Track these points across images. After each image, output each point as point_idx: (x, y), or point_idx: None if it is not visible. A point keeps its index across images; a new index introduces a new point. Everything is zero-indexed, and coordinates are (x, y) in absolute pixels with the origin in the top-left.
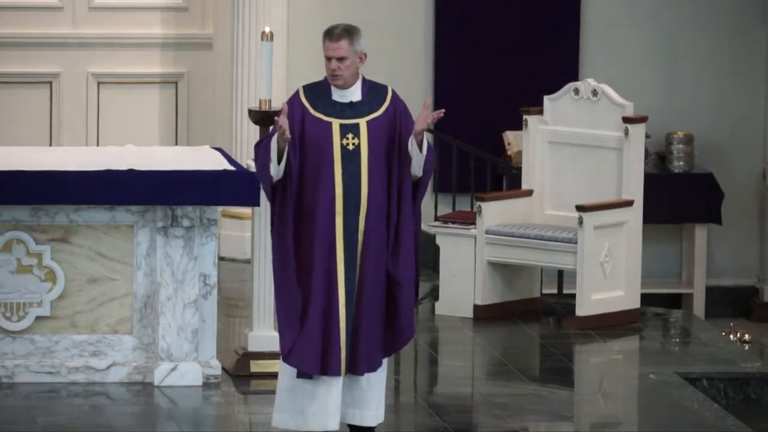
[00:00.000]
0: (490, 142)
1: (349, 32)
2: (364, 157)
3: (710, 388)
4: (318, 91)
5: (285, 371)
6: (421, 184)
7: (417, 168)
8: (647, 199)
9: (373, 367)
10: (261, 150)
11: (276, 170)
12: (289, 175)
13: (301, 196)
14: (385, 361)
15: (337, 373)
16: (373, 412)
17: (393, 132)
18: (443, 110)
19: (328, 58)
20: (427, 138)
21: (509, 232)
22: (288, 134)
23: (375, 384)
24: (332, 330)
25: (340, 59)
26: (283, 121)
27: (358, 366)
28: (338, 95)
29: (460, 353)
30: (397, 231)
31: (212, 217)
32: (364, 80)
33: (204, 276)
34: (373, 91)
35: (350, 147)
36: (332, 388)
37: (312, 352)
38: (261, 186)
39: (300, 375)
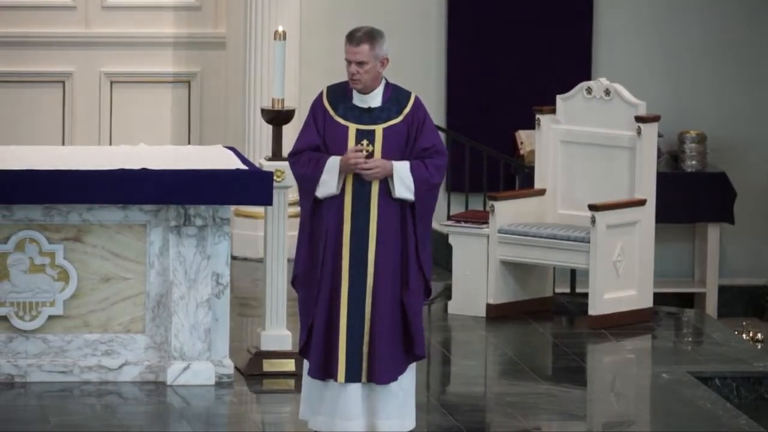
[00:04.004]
0: (503, 142)
1: (370, 36)
2: None
3: (723, 388)
4: (340, 94)
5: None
6: (417, 210)
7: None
8: (660, 198)
9: (393, 377)
10: (312, 166)
11: (327, 194)
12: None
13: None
14: (410, 370)
15: (336, 379)
16: (394, 421)
17: (408, 140)
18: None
19: (348, 62)
20: (408, 171)
21: (522, 231)
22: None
23: (397, 393)
24: (333, 336)
25: (360, 63)
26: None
27: (377, 375)
28: (358, 99)
29: (472, 352)
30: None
31: (225, 216)
32: (387, 85)
33: (217, 275)
34: (395, 97)
35: (364, 153)
36: (343, 393)
37: (315, 356)
38: (301, 185)
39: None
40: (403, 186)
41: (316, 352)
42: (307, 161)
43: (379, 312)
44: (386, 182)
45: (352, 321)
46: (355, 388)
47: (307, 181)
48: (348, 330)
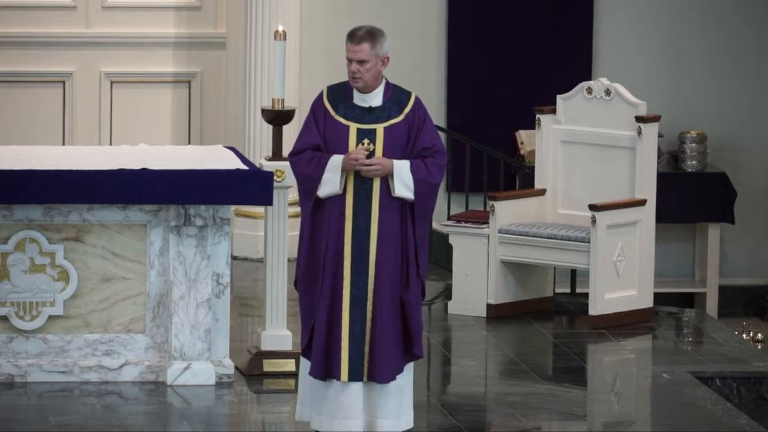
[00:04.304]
0: (503, 142)
1: (371, 35)
2: None
3: (723, 388)
4: (341, 93)
5: (305, 367)
6: (416, 210)
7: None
8: (660, 198)
9: (392, 376)
10: (313, 165)
11: (329, 193)
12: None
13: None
14: (408, 370)
15: (338, 378)
16: (391, 421)
17: (408, 140)
18: (362, 152)
19: (349, 60)
20: (408, 170)
21: (522, 231)
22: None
23: (394, 393)
24: (334, 336)
25: (361, 62)
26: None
27: (378, 374)
28: (359, 99)
29: (473, 352)
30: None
31: (225, 216)
32: (387, 84)
33: (217, 275)
34: (396, 97)
35: (366, 153)
36: (345, 393)
37: (317, 355)
38: (301, 185)
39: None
40: (403, 185)
41: (318, 352)
42: (308, 161)
43: (380, 311)
44: (387, 181)
45: (354, 320)
46: (357, 388)
47: (309, 180)
48: (350, 329)
